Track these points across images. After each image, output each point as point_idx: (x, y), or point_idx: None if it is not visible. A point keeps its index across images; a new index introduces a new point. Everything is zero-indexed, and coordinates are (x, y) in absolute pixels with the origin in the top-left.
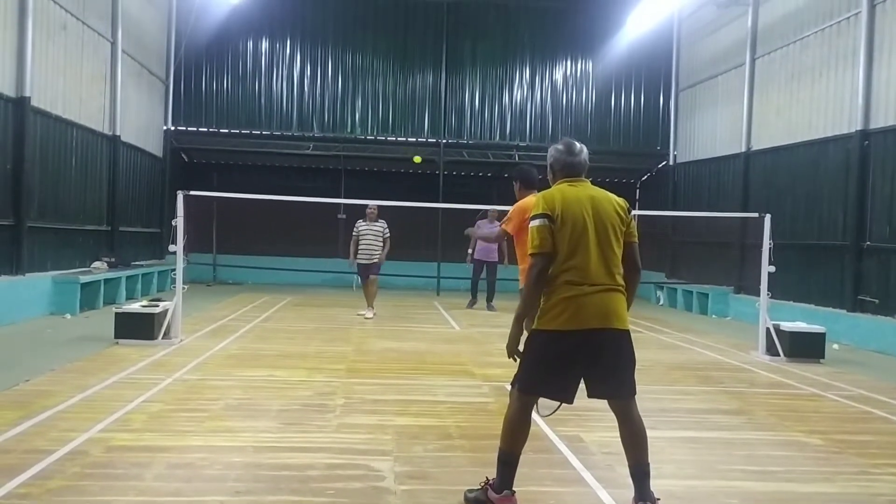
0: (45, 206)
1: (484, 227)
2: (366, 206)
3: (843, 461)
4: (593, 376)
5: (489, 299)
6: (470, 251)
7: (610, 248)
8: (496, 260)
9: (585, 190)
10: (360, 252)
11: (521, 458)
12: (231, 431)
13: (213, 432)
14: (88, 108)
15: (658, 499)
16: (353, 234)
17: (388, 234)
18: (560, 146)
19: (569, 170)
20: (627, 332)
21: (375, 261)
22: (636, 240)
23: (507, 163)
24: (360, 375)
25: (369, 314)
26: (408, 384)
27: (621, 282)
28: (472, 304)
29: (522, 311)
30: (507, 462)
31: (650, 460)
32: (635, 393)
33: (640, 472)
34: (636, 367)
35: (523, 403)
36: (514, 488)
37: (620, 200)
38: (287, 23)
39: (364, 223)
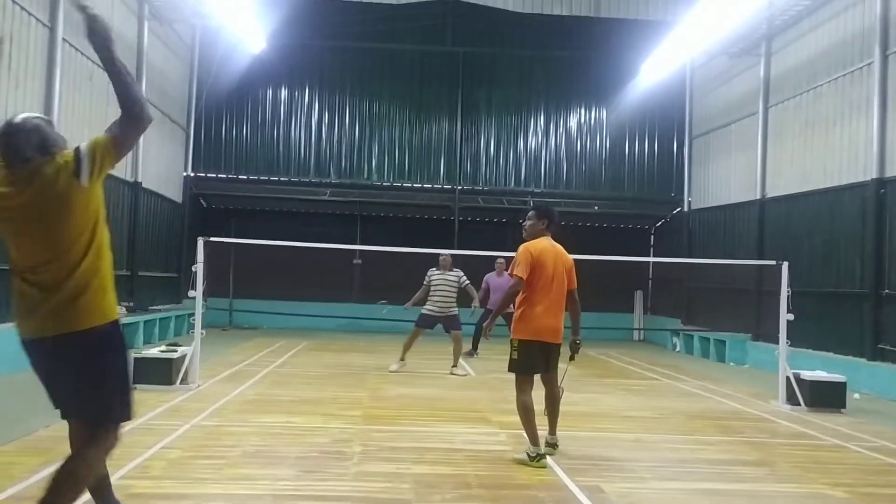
0: None
1: (494, 281)
2: (377, 250)
3: None
4: None
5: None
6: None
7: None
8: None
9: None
10: (432, 302)
11: None
12: (249, 479)
13: (232, 480)
14: None
15: None
16: (425, 282)
17: (467, 282)
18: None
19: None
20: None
21: (454, 313)
22: (104, 141)
23: (521, 209)
24: (377, 422)
25: (460, 371)
26: (424, 431)
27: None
28: (471, 354)
29: None
30: None
31: None
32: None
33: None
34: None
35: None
36: None
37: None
38: (305, 72)
39: (437, 271)
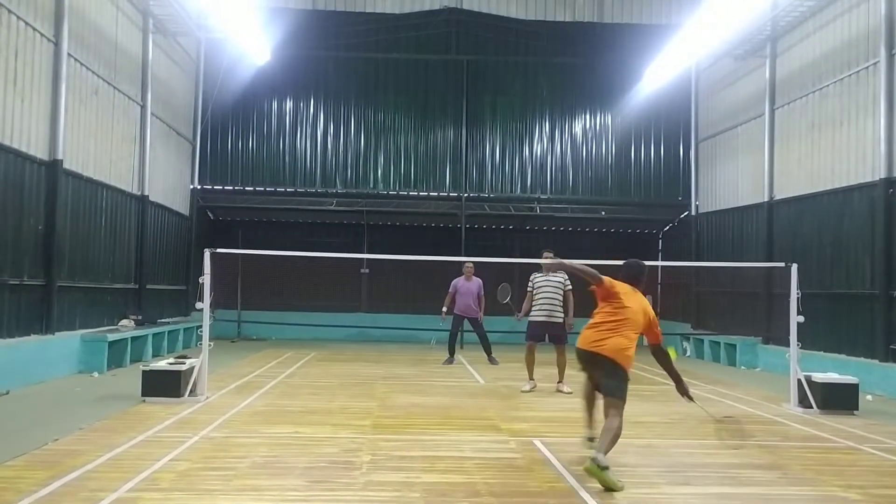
0: (75, 266)
1: (462, 285)
2: (384, 259)
3: None
4: None
5: (489, 353)
6: (444, 308)
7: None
8: (475, 315)
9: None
10: (537, 309)
11: None
12: (258, 490)
13: (241, 491)
14: (118, 169)
15: None
16: (528, 288)
17: (571, 287)
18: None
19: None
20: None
21: (559, 320)
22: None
23: (528, 215)
24: (386, 431)
25: (566, 388)
26: (434, 440)
27: None
28: (450, 362)
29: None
30: None
31: None
32: None
33: None
34: None
35: None
36: None
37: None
38: (310, 83)
39: (541, 275)
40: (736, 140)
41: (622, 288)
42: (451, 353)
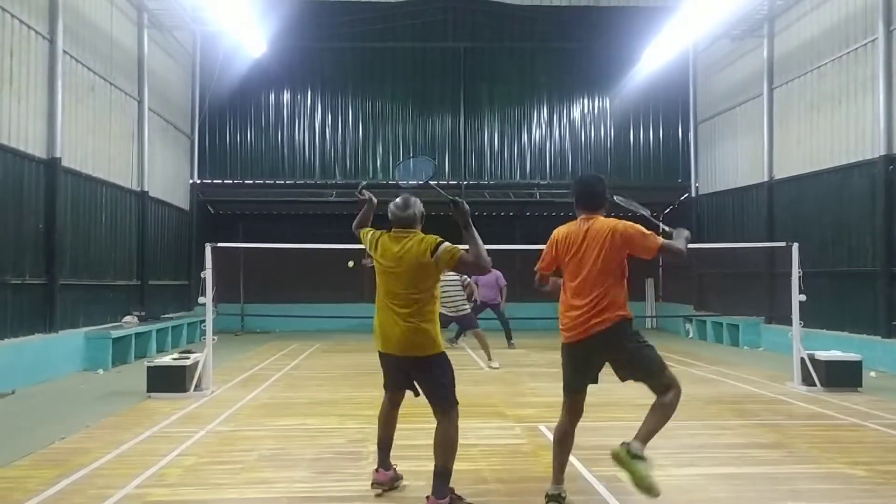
0: (77, 264)
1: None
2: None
3: (890, 493)
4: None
5: (509, 338)
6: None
7: (410, 286)
8: (498, 302)
9: (401, 240)
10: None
11: None
12: (266, 483)
13: (248, 484)
14: (117, 166)
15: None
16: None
17: (468, 280)
18: (398, 202)
19: (398, 224)
20: (426, 357)
21: (462, 312)
22: (455, 255)
23: (528, 201)
24: None
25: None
26: None
27: (413, 315)
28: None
29: None
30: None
31: None
32: None
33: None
34: None
35: None
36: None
37: (429, 241)
38: (307, 74)
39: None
40: (735, 121)
41: (566, 233)
42: (459, 336)
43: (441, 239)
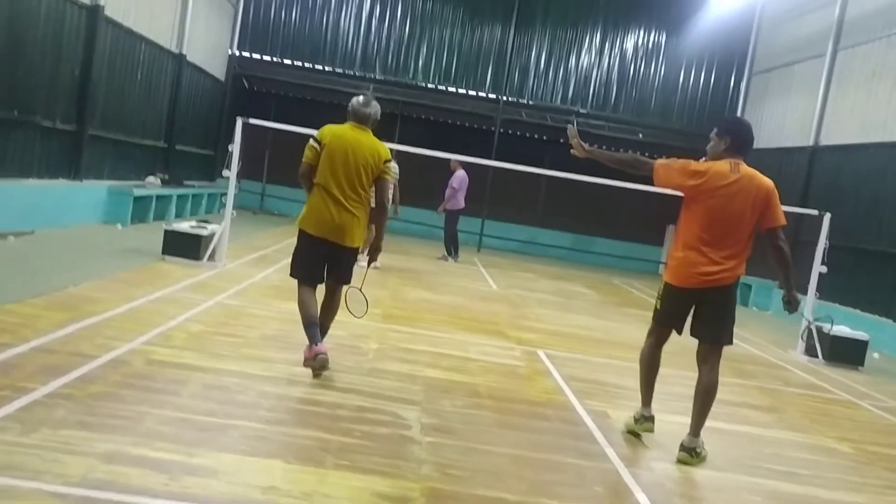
0: (108, 117)
1: (465, 180)
2: (407, 151)
3: (872, 473)
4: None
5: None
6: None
7: (357, 180)
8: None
9: (357, 135)
10: None
11: (546, 425)
12: (266, 361)
13: (249, 360)
14: (158, 24)
15: None
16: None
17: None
18: (360, 98)
19: (354, 117)
20: (351, 249)
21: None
22: (386, 179)
23: (563, 127)
24: (395, 322)
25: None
26: (441, 337)
27: (358, 208)
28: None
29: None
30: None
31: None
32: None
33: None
34: None
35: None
36: None
37: (382, 151)
38: None
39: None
40: (791, 78)
41: (718, 170)
42: (456, 251)
43: (391, 157)
